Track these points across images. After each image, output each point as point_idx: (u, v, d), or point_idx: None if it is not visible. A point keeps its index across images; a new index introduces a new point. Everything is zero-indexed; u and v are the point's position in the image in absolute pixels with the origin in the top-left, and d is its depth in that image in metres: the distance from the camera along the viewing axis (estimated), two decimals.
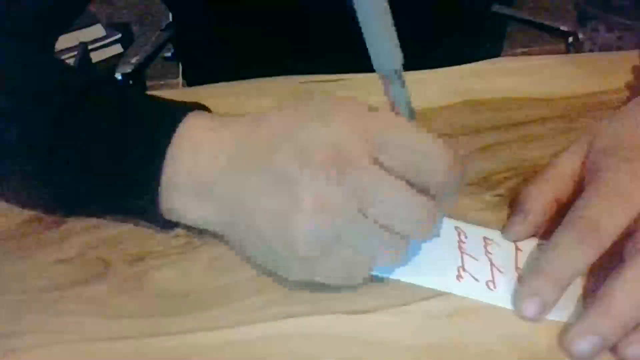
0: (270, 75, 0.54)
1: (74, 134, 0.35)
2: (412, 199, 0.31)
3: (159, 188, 0.34)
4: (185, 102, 0.37)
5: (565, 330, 0.32)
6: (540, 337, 0.32)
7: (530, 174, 0.41)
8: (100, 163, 0.35)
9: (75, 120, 0.35)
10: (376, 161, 0.31)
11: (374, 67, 0.32)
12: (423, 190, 0.31)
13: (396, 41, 0.31)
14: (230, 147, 0.34)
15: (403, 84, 0.33)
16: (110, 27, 1.65)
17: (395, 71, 0.32)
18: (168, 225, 0.37)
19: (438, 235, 0.35)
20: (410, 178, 0.31)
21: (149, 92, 0.40)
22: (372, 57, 0.32)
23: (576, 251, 0.33)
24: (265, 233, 0.32)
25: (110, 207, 0.38)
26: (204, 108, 0.37)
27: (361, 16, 0.30)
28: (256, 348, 0.32)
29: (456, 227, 0.38)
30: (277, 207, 0.31)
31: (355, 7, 0.30)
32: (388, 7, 0.30)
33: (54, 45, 0.52)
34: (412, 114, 0.34)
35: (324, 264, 0.32)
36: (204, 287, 0.35)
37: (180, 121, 0.35)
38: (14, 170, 0.37)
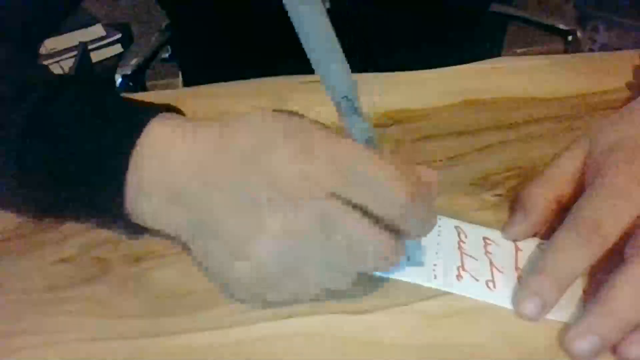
0: (270, 75, 0.54)
1: (44, 134, 0.35)
2: (372, 234, 0.30)
3: (125, 187, 0.33)
4: (156, 104, 0.36)
5: (565, 330, 0.32)
6: (540, 337, 0.32)
7: (530, 174, 0.41)
8: (68, 163, 0.35)
9: (45, 120, 0.35)
10: (340, 195, 0.30)
11: (326, 94, 0.31)
12: (389, 224, 0.31)
13: (345, 66, 0.30)
14: (202, 153, 0.33)
15: (356, 113, 0.31)
16: (110, 27, 1.65)
17: (346, 99, 0.30)
18: (137, 230, 0.36)
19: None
20: (374, 211, 0.30)
21: (148, 93, 0.39)
22: (321, 82, 0.30)
23: (577, 251, 0.33)
24: (229, 247, 0.32)
25: (80, 208, 0.38)
26: (176, 110, 0.37)
27: (303, 38, 0.29)
28: (256, 348, 0.32)
29: (456, 227, 0.38)
30: (242, 229, 0.31)
31: (297, 30, 0.29)
32: (331, 28, 0.29)
33: (37, 47, 0.52)
34: (371, 145, 0.32)
35: (283, 284, 0.32)
36: (204, 287, 0.35)
37: (149, 120, 0.34)
38: None
